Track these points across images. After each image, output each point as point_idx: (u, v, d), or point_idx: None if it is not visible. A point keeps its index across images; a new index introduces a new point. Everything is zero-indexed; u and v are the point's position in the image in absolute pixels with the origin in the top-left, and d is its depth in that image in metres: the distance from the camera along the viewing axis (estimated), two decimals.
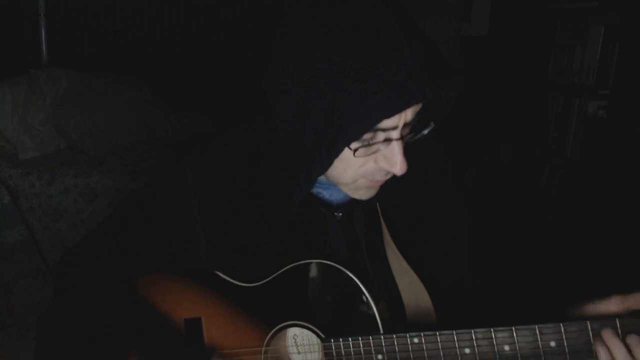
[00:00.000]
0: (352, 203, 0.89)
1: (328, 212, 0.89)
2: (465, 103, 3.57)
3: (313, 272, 0.87)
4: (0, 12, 3.05)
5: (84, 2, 3.42)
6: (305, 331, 0.89)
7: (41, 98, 2.72)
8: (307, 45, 0.71)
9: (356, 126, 0.70)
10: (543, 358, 0.75)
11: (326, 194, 0.90)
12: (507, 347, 0.75)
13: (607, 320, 0.74)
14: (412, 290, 0.90)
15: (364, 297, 0.83)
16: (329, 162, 0.74)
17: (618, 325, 0.73)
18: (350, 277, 0.83)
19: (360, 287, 0.83)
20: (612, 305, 0.77)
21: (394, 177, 0.81)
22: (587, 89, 2.67)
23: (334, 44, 0.70)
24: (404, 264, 0.90)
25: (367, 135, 0.74)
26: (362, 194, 0.83)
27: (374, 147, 0.75)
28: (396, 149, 0.75)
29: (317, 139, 0.73)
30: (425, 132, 0.79)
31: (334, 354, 0.83)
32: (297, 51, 0.73)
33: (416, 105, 0.73)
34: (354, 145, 0.74)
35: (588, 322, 0.74)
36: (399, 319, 0.90)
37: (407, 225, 0.94)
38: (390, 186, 0.85)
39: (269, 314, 0.90)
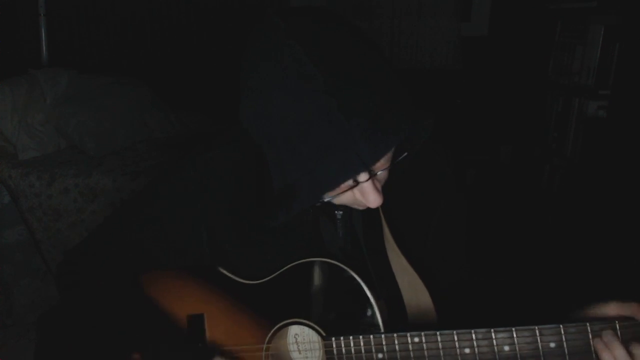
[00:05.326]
0: None
1: (320, 213, 0.89)
2: (465, 103, 3.57)
3: (315, 270, 0.87)
4: (0, 12, 3.05)
5: (84, 2, 3.42)
6: (307, 329, 0.90)
7: (41, 98, 2.71)
8: (254, 113, 0.72)
9: (306, 196, 0.70)
10: (542, 359, 0.75)
11: None
12: (507, 348, 0.75)
13: (607, 323, 0.74)
14: (413, 289, 0.90)
15: (364, 296, 0.83)
16: (289, 217, 0.74)
17: (618, 328, 0.73)
18: (352, 276, 0.83)
19: (361, 286, 0.83)
20: (610, 310, 0.77)
21: (393, 180, 0.81)
22: (587, 89, 2.67)
23: (273, 118, 0.69)
24: (405, 262, 0.90)
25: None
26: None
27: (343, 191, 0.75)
28: (366, 189, 0.74)
29: (279, 191, 0.74)
30: (398, 160, 0.77)
31: (335, 352, 0.83)
32: (248, 115, 0.73)
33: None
34: None
35: (588, 324, 0.74)
36: (399, 318, 0.90)
37: (408, 224, 0.94)
38: (390, 190, 0.85)
39: (271, 311, 0.90)
